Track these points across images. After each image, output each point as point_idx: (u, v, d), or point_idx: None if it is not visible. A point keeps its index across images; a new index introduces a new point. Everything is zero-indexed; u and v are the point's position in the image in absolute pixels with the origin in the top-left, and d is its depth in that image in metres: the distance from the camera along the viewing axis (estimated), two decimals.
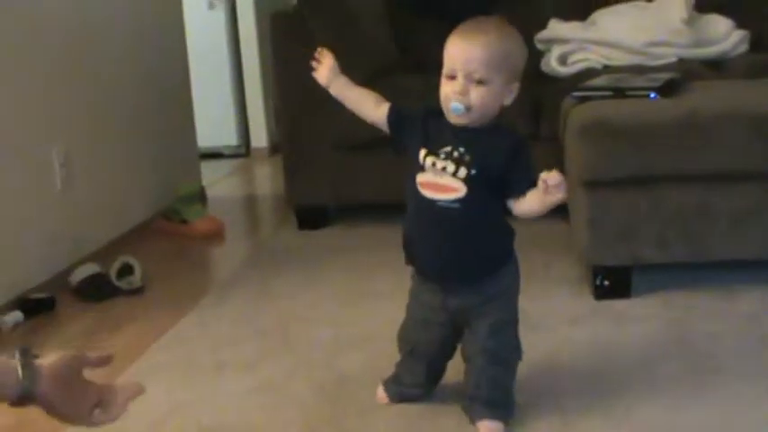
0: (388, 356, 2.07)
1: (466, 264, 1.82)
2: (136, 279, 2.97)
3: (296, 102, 3.47)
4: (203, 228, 3.63)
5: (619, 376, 2.06)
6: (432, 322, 1.89)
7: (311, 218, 3.59)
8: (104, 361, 1.47)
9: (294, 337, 2.44)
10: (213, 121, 5.14)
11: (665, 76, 2.88)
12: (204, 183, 4.41)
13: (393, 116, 1.86)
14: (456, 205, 1.75)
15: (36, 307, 2.77)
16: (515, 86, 1.78)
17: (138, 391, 1.50)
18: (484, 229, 1.81)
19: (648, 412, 1.89)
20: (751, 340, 2.25)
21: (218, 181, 4.81)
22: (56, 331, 2.65)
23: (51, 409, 1.34)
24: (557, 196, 1.66)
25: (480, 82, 1.71)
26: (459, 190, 1.75)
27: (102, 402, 1.41)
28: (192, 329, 2.55)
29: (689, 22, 3.55)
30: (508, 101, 1.79)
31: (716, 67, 3.48)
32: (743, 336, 2.28)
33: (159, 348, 2.42)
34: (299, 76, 3.38)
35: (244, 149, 5.56)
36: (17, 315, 2.69)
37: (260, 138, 5.55)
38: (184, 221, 3.65)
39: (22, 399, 1.29)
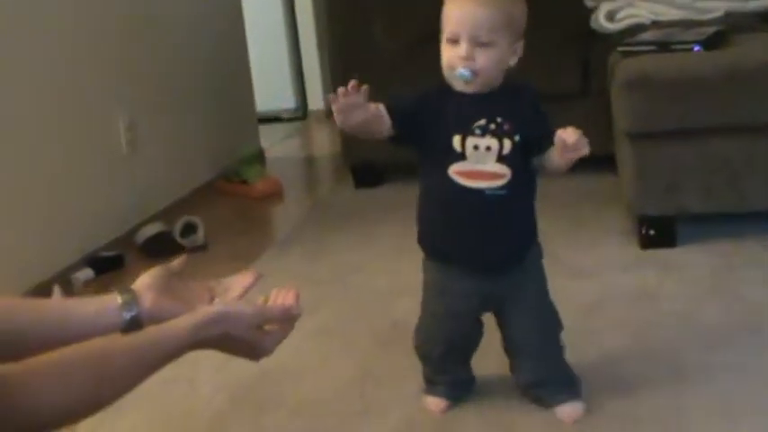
0: None
1: (512, 246, 1.72)
2: (199, 237, 3.10)
3: (350, 57, 3.55)
4: (263, 188, 3.75)
5: (662, 321, 2.14)
6: (464, 314, 1.77)
7: (368, 176, 3.69)
8: (184, 263, 1.53)
9: (350, 287, 2.55)
10: (271, 85, 5.24)
11: (711, 29, 2.91)
12: (263, 145, 4.53)
13: (399, 115, 1.65)
14: (504, 191, 1.63)
15: (105, 264, 2.91)
16: (520, 46, 1.67)
17: (254, 277, 1.55)
18: (529, 206, 1.73)
19: (691, 353, 1.97)
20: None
21: (276, 143, 4.92)
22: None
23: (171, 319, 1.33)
24: (579, 153, 1.57)
25: (486, 44, 1.60)
26: (505, 175, 1.63)
27: (216, 297, 1.47)
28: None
29: None
30: (513, 61, 1.66)
31: (766, 20, 3.50)
32: None
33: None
34: (356, 34, 3.53)
35: (301, 112, 5.67)
36: (88, 272, 2.83)
37: (317, 100, 5.65)
38: (245, 182, 3.77)
39: (131, 323, 1.33)
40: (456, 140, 1.63)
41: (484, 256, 1.70)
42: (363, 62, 3.47)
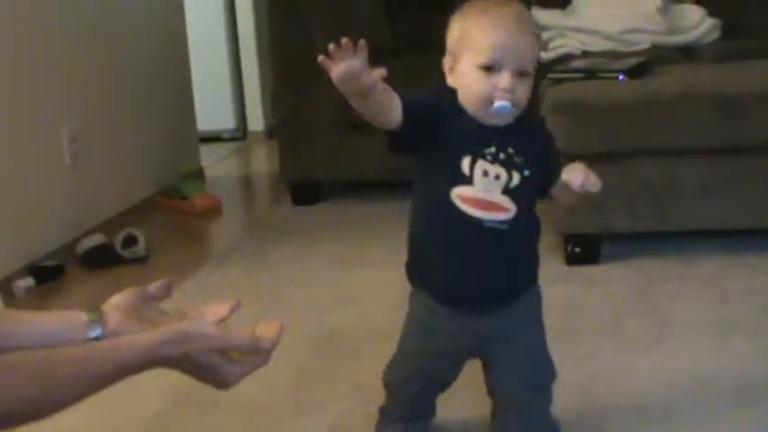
0: (375, 313, 2.36)
1: (511, 283, 1.59)
2: (140, 249, 3.16)
3: (291, 80, 3.65)
4: (202, 204, 3.82)
5: (587, 330, 2.26)
6: (450, 356, 1.64)
7: (305, 194, 3.77)
8: (165, 288, 1.46)
9: (289, 298, 2.63)
10: (211, 106, 5.30)
11: (636, 60, 3.07)
12: (204, 164, 4.60)
13: (411, 110, 1.46)
14: (504, 226, 1.50)
15: (46, 274, 2.95)
16: None
17: (231, 308, 1.45)
18: (530, 246, 1.61)
19: (612, 358, 2.11)
20: (708, 300, 2.45)
21: (216, 162, 4.99)
22: (65, 296, 2.84)
23: None
24: (591, 192, 1.51)
25: (527, 75, 1.48)
26: (509, 209, 1.50)
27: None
28: (193, 292, 2.73)
29: (663, 10, 3.74)
30: None
31: (688, 53, 3.68)
32: (701, 296, 2.48)
33: None
34: (295, 55, 3.62)
35: (241, 133, 5.74)
36: (29, 281, 2.86)
37: (257, 122, 5.73)
38: (184, 198, 3.84)
39: (95, 340, 1.31)
40: (465, 161, 1.49)
41: (474, 292, 1.56)
42: (305, 83, 3.57)
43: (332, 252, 3.06)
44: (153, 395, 2.03)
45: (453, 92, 1.53)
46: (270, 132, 5.50)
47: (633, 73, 2.84)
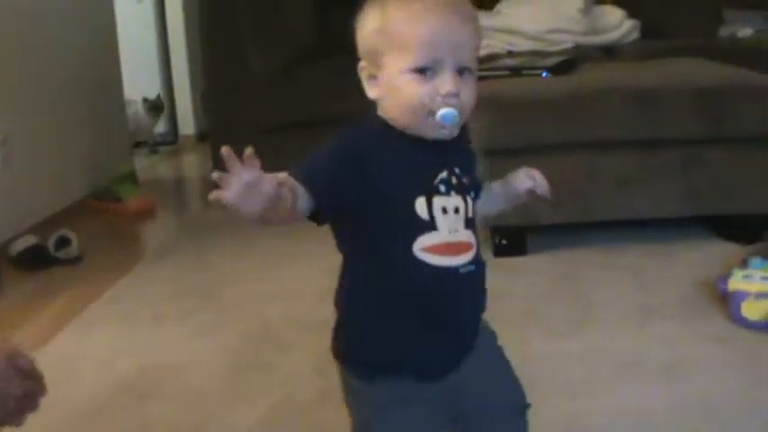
0: (304, 306, 2.45)
1: (476, 329, 1.29)
2: (73, 250, 3.17)
3: (223, 83, 3.69)
4: (136, 206, 3.84)
5: (514, 317, 2.34)
6: (428, 424, 1.25)
7: None
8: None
9: (222, 294, 2.68)
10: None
11: (559, 58, 3.18)
12: (136, 168, 4.61)
13: (315, 183, 1.12)
14: (473, 267, 1.22)
15: None
16: None
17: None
18: (485, 279, 1.29)
19: (539, 343, 2.19)
20: (628, 287, 2.56)
21: (148, 166, 5.00)
22: None
23: None
24: (546, 195, 1.32)
25: (469, 71, 1.17)
26: (473, 245, 1.22)
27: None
28: (129, 290, 2.77)
29: (584, 11, 3.87)
30: None
31: (609, 52, 3.81)
32: (622, 283, 2.59)
33: (98, 306, 2.63)
34: (226, 57, 3.66)
35: (172, 137, 5.75)
36: None
37: (188, 126, 5.76)
38: (117, 201, 3.85)
39: None
40: (420, 204, 1.16)
41: (453, 350, 1.26)
42: (236, 87, 3.62)
43: (263, 250, 3.11)
44: (93, 386, 2.07)
45: (373, 121, 1.20)
46: (201, 136, 5.53)
47: (556, 70, 2.95)
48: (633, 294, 2.50)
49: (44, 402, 1.96)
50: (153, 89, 5.53)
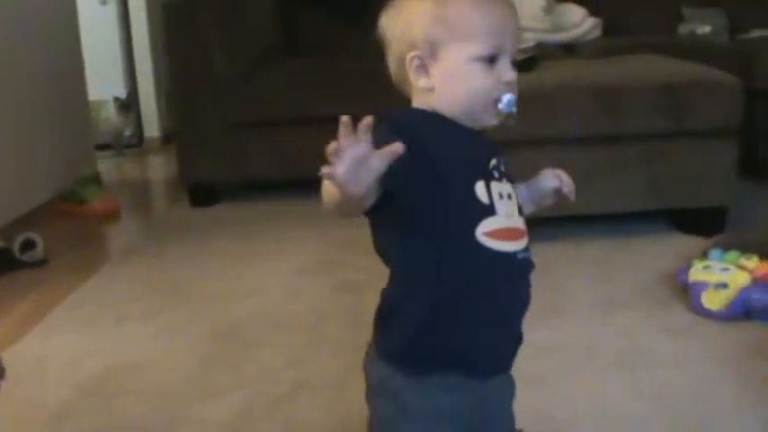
0: (271, 302, 2.48)
1: (521, 326, 1.25)
2: (38, 252, 3.15)
3: (187, 84, 3.68)
4: (100, 208, 3.83)
5: None
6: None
7: (203, 195, 3.81)
8: None
9: (189, 293, 2.68)
10: (108, 113, 5.32)
11: (522, 56, 3.20)
12: (101, 170, 4.59)
13: (392, 167, 1.00)
14: (529, 255, 1.20)
15: None
16: None
17: None
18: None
19: None
20: (592, 279, 2.60)
21: (113, 168, 4.99)
22: None
23: None
24: (571, 197, 1.30)
25: (514, 57, 1.19)
26: (525, 231, 1.20)
27: None
28: (95, 291, 2.76)
29: (547, 9, 3.91)
30: None
31: (571, 50, 3.85)
32: (586, 276, 2.63)
33: (64, 308, 2.62)
34: (190, 59, 3.66)
35: (137, 139, 5.73)
36: None
37: (152, 128, 5.74)
38: (82, 203, 3.84)
39: None
40: (480, 187, 1.14)
41: (507, 344, 1.23)
42: (200, 87, 3.62)
43: (229, 249, 3.11)
44: (60, 387, 2.06)
45: (415, 109, 1.20)
46: (166, 138, 5.52)
47: (519, 68, 2.94)
48: (597, 286, 2.54)
49: (11, 404, 1.97)
50: (117, 91, 5.51)
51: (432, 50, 1.16)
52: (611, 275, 2.62)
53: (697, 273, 2.35)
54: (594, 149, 2.84)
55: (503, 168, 1.18)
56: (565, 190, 1.29)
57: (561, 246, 2.88)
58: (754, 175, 3.52)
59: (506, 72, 1.16)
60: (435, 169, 1.11)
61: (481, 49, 1.14)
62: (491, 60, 1.15)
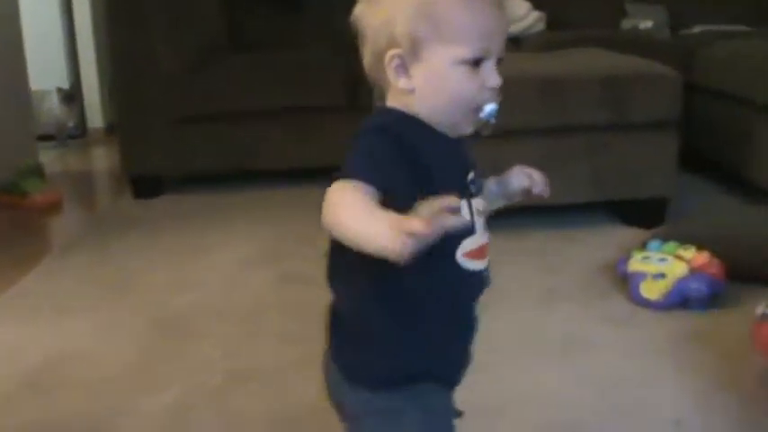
0: (214, 295, 2.48)
1: None
2: None
3: (131, 75, 3.65)
4: (42, 200, 3.78)
5: None
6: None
7: (146, 187, 3.78)
8: None
9: (132, 286, 2.66)
10: (50, 104, 5.24)
11: None
12: (43, 161, 4.53)
13: (394, 187, 1.00)
14: (488, 270, 1.17)
15: None
16: None
17: None
18: None
19: None
20: (533, 270, 2.62)
21: (56, 159, 4.92)
22: None
23: None
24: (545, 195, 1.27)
25: (500, 61, 1.14)
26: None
27: None
28: (36, 284, 2.72)
29: None
30: None
31: (515, 43, 3.87)
32: (527, 267, 2.65)
33: (5, 301, 2.59)
34: (134, 50, 3.63)
35: (80, 130, 5.66)
36: None
37: (96, 119, 5.67)
38: (24, 194, 3.79)
39: None
40: (464, 205, 1.10)
41: (466, 360, 1.21)
42: (144, 79, 3.59)
43: (171, 241, 3.09)
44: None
45: (400, 114, 1.10)
46: (109, 129, 5.46)
47: None
48: (538, 277, 2.57)
49: None
50: (60, 81, 5.44)
51: (414, 49, 1.07)
52: (553, 267, 2.65)
53: (636, 263, 2.39)
54: (538, 142, 2.86)
55: (477, 182, 1.14)
56: (536, 191, 1.24)
57: (504, 238, 2.88)
58: (694, 168, 3.57)
59: (492, 77, 1.10)
60: (433, 190, 0.97)
61: (468, 51, 1.07)
62: (476, 63, 1.08)
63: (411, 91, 1.09)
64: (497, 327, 2.21)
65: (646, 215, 2.95)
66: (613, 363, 2.02)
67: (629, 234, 2.87)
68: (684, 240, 2.44)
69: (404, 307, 1.10)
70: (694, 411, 1.79)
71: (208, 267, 2.77)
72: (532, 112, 2.81)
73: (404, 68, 1.09)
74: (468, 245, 1.09)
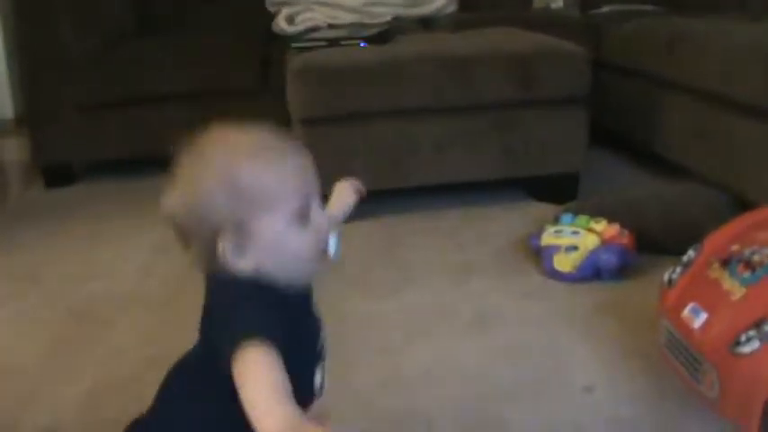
0: (126, 283, 2.45)
1: None
2: None
3: (37, 61, 3.57)
4: None
5: (334, 282, 2.38)
6: None
7: (58, 176, 3.71)
8: None
9: (42, 275, 2.60)
10: None
11: (377, 29, 3.23)
12: None
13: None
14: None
15: None
16: None
17: None
18: None
19: (358, 304, 2.25)
20: (446, 248, 2.64)
21: None
22: None
23: None
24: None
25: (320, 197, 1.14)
26: None
27: None
28: None
29: None
30: None
31: (426, 24, 3.88)
32: (441, 245, 2.67)
33: None
34: (41, 37, 3.55)
35: None
36: None
37: (5, 109, 5.54)
38: None
39: None
40: (318, 376, 1.15)
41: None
42: (52, 64, 3.51)
43: (84, 229, 3.04)
44: None
45: (239, 281, 1.09)
46: (19, 119, 5.33)
47: (373, 40, 2.99)
48: (451, 255, 2.58)
49: None
50: None
51: (242, 229, 1.06)
52: (466, 244, 2.67)
53: (549, 237, 2.42)
54: (447, 120, 2.88)
55: (325, 345, 1.15)
56: (362, 195, 1.38)
57: (415, 217, 2.91)
58: (606, 144, 3.63)
59: (319, 218, 1.09)
60: (289, 369, 0.97)
61: (293, 209, 1.06)
62: (303, 215, 1.07)
63: (254, 270, 1.08)
64: (410, 304, 2.23)
65: (557, 191, 2.99)
66: (526, 334, 2.04)
67: (541, 209, 2.91)
68: (596, 213, 2.48)
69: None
70: (604, 378, 1.83)
71: (119, 254, 2.73)
72: (440, 91, 2.82)
73: (239, 249, 1.07)
74: (308, 413, 1.09)
